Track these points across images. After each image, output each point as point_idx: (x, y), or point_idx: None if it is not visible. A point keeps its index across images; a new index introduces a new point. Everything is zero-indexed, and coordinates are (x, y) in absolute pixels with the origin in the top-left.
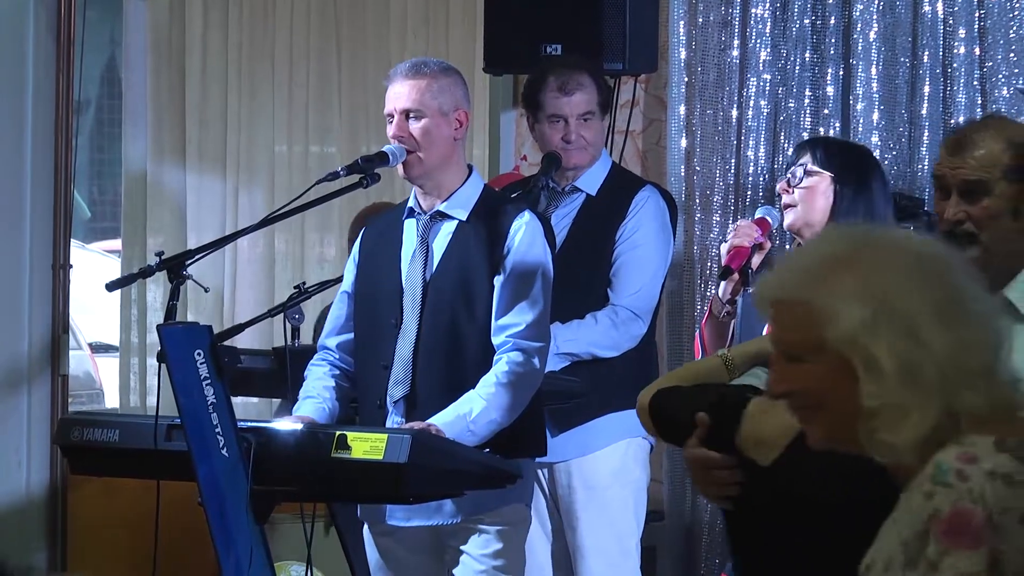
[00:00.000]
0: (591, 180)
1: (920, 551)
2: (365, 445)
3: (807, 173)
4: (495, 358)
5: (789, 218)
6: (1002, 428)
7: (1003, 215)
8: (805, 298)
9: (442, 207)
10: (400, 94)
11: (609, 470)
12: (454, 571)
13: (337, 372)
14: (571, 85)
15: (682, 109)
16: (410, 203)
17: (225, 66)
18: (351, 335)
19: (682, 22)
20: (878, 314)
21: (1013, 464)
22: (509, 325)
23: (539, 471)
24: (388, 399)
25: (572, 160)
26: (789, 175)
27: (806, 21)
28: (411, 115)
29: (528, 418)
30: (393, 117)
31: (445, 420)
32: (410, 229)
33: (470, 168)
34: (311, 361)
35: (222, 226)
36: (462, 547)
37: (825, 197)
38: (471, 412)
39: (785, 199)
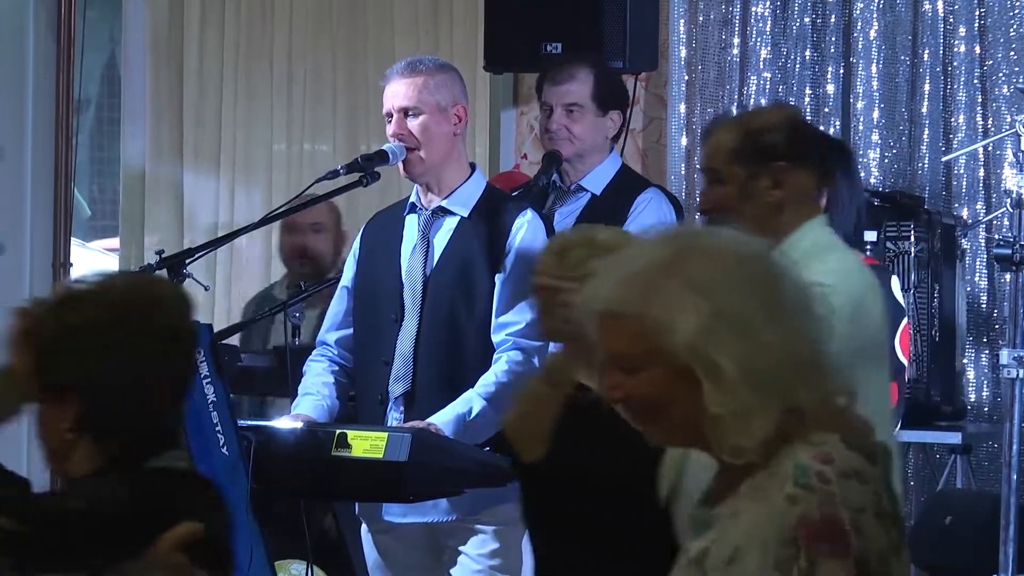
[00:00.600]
0: (597, 179)
1: (790, 558)
2: (365, 444)
3: None
4: (495, 357)
5: None
6: (837, 422)
7: (738, 200)
8: (638, 310)
9: (444, 203)
10: (397, 92)
11: None
12: (452, 571)
13: (336, 368)
14: (562, 75)
15: (682, 107)
16: (412, 199)
17: (223, 65)
18: (350, 331)
19: (682, 20)
20: (714, 319)
21: (861, 461)
22: (509, 323)
23: None
24: (389, 395)
25: (559, 153)
26: None
27: (806, 19)
28: (409, 113)
29: None
30: (392, 116)
31: (444, 419)
32: (411, 224)
33: (472, 166)
34: (309, 357)
35: (220, 224)
36: (460, 547)
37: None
38: (471, 411)
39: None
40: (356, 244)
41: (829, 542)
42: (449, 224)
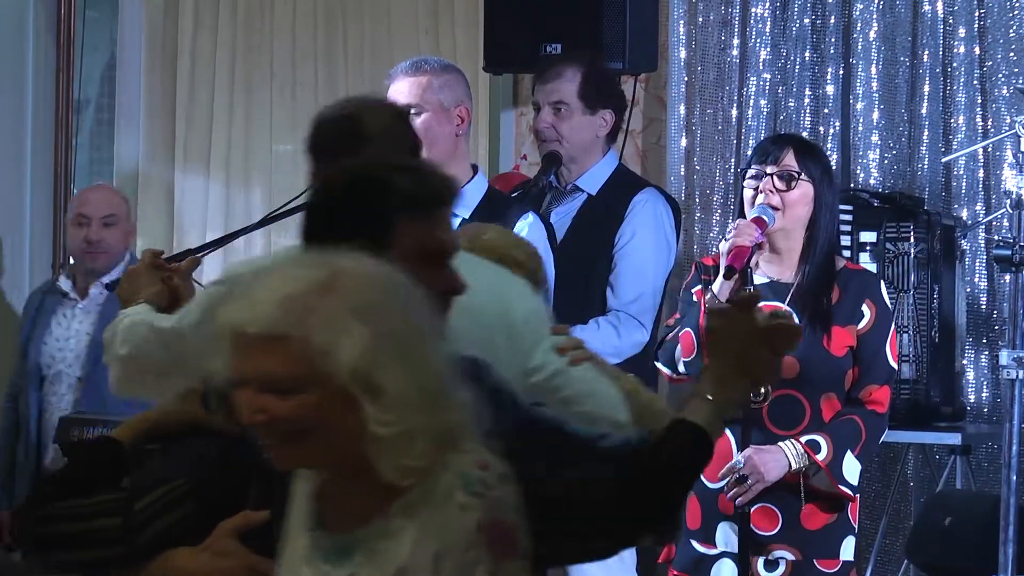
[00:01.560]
0: (593, 180)
1: (473, 563)
2: None
3: (791, 178)
4: None
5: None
6: (468, 429)
7: None
8: (300, 333)
9: None
10: (401, 90)
11: None
12: None
13: None
14: (550, 74)
15: (682, 108)
16: None
17: (219, 66)
18: None
19: (682, 21)
20: (375, 342)
21: (502, 462)
22: None
23: None
24: None
25: (541, 152)
26: (773, 173)
27: (806, 20)
28: (412, 111)
29: None
30: None
31: None
32: None
33: (475, 168)
34: None
35: (214, 226)
36: None
37: (807, 206)
38: None
39: (769, 199)
40: None
41: (504, 544)
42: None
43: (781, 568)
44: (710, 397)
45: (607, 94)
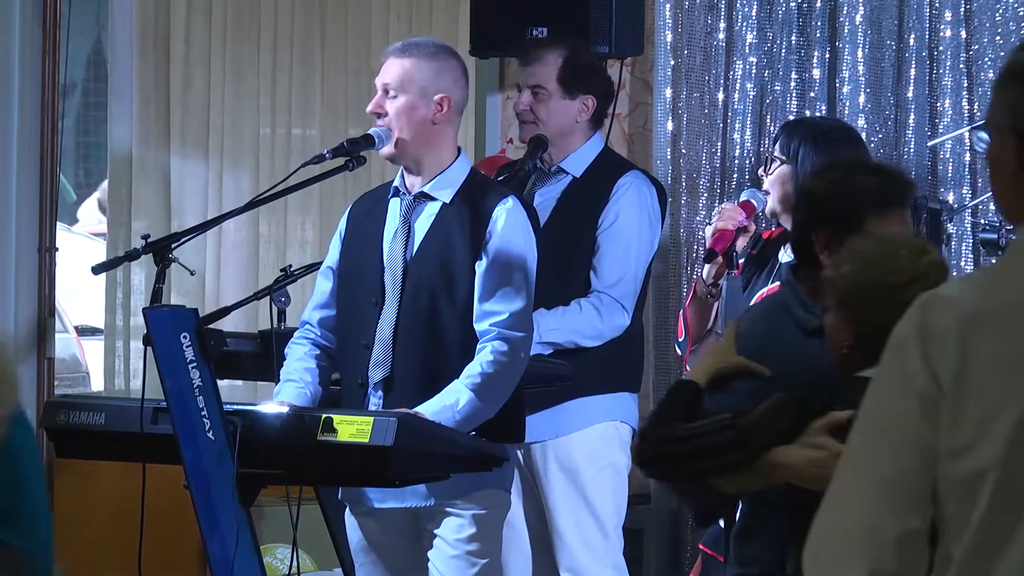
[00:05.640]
0: (577, 162)
1: None
2: (351, 428)
3: (774, 159)
4: (479, 346)
5: (767, 203)
6: None
7: None
8: None
9: (426, 188)
10: (386, 70)
11: (584, 453)
12: (428, 554)
13: (318, 352)
14: (531, 57)
15: (668, 92)
16: (395, 182)
17: (211, 49)
18: (333, 311)
19: (668, 5)
20: None
21: None
22: (494, 312)
23: (516, 451)
24: (369, 380)
25: (520, 134)
26: (768, 158)
27: (792, 4)
28: (389, 91)
29: (509, 405)
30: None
31: (432, 409)
32: (394, 208)
33: (459, 151)
34: (292, 338)
35: (207, 209)
36: (436, 531)
37: (784, 185)
38: (458, 402)
39: (765, 184)
40: (342, 224)
41: None
42: (431, 210)
43: None
44: None
45: (588, 80)
